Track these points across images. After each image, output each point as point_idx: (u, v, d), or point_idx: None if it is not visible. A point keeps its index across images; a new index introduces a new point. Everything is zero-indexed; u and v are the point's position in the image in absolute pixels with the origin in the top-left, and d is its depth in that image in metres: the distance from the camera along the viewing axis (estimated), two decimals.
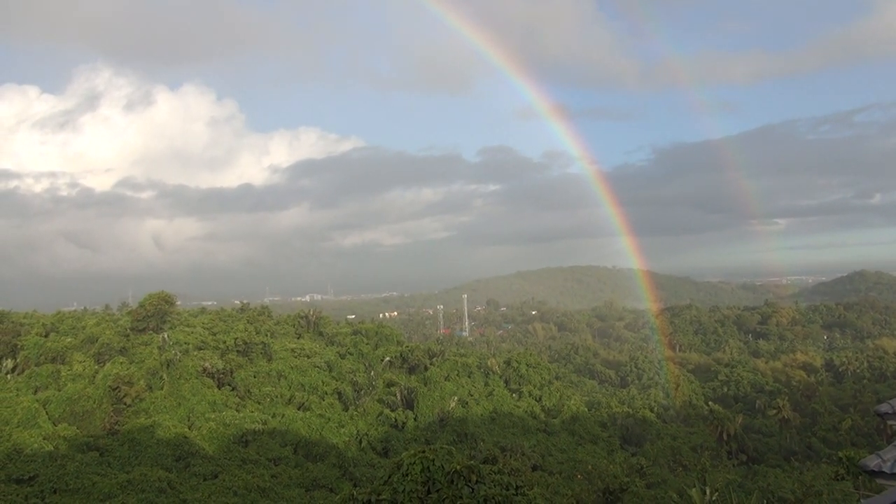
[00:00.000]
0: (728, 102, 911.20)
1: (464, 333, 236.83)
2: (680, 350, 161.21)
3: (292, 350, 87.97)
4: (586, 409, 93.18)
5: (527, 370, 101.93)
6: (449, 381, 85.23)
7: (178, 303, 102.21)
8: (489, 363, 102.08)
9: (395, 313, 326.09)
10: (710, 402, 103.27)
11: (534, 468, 59.66)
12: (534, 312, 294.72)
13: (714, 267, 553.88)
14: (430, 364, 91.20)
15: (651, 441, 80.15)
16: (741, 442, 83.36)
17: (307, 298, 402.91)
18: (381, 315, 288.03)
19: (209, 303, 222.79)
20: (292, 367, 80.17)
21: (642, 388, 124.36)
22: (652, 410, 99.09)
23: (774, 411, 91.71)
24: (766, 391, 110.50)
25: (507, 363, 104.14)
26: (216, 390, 69.27)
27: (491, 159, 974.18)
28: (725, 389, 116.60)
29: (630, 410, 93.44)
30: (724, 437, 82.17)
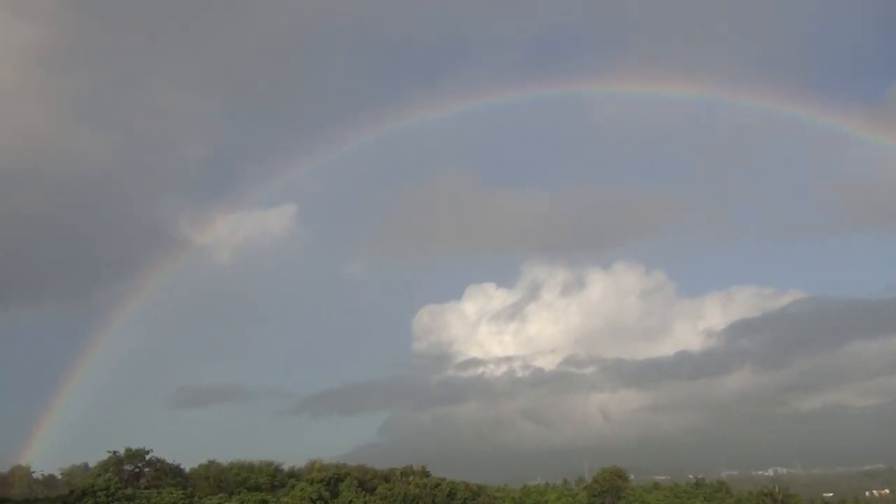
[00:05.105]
0: None
1: None
2: None
3: None
4: None
5: None
6: None
7: (631, 477, 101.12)
8: None
9: (886, 490, 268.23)
10: None
11: None
12: None
13: None
14: None
15: None
16: None
17: (770, 472, 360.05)
18: (866, 493, 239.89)
19: (661, 477, 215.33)
20: None
21: None
22: None
23: None
24: None
25: None
26: None
27: None
28: None
29: None
30: None
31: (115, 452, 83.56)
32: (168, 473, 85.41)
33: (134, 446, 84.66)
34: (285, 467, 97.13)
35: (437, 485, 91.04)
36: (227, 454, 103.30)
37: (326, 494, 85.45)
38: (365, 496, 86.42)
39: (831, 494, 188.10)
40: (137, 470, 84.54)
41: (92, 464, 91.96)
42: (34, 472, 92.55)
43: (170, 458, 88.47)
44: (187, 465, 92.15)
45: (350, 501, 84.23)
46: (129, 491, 75.78)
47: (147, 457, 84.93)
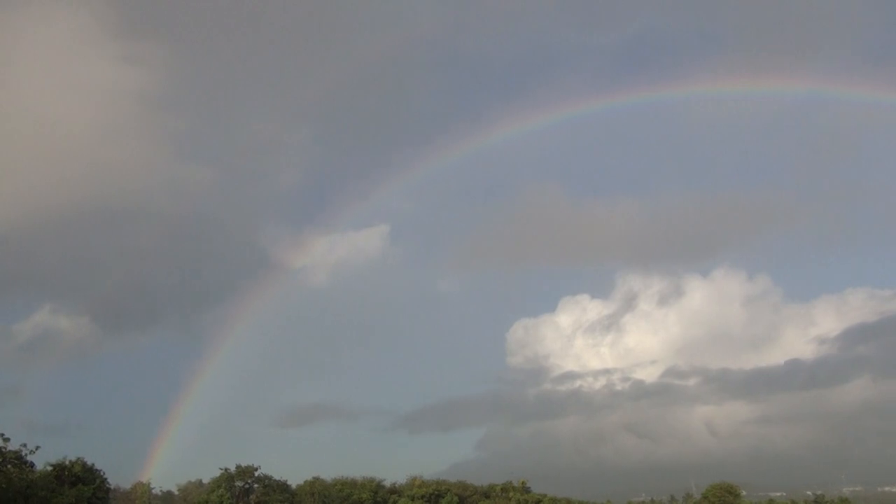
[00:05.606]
0: None
1: None
2: None
3: None
4: None
5: None
6: None
7: (743, 493, 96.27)
8: None
9: None
10: None
11: None
12: None
13: None
14: None
15: None
16: None
17: None
18: None
19: (776, 493, 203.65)
20: None
21: None
22: None
23: None
24: None
25: None
26: None
27: None
28: None
29: None
30: None
31: (226, 469, 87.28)
32: (276, 489, 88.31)
33: (243, 463, 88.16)
34: (386, 483, 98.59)
35: (538, 501, 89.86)
36: (330, 471, 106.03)
37: None
38: None
39: None
40: (247, 486, 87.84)
41: (206, 480, 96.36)
42: (153, 488, 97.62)
43: (276, 475, 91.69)
44: (293, 481, 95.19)
45: None
46: None
47: (256, 473, 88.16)
